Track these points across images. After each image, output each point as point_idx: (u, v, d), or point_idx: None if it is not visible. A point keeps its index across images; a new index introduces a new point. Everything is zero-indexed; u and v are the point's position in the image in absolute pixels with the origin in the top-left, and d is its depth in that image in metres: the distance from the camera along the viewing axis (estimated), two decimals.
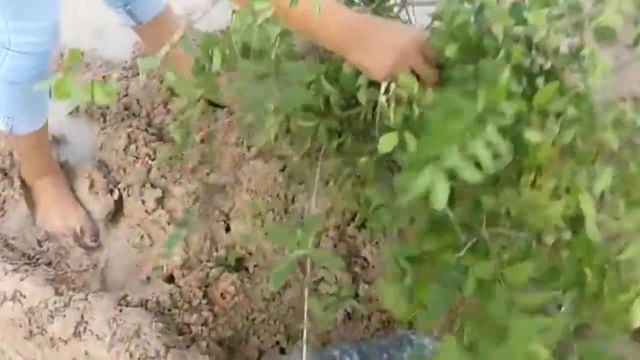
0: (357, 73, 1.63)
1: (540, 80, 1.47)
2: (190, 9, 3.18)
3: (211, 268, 2.45)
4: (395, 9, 1.93)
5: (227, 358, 2.41)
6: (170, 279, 2.47)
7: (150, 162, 2.73)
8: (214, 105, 2.91)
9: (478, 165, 1.21)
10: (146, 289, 2.45)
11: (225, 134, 2.79)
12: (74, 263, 2.55)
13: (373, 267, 2.49)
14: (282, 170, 2.71)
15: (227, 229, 2.66)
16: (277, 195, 2.67)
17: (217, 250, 2.51)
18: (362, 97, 1.66)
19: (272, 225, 2.50)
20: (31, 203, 2.61)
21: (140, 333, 2.18)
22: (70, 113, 2.98)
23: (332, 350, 2.32)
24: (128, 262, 2.56)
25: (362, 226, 2.66)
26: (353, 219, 2.65)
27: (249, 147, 2.74)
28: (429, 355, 2.25)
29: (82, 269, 2.54)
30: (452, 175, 1.21)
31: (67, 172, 2.74)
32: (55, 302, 2.28)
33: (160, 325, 2.25)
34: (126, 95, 2.99)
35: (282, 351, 2.51)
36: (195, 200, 2.65)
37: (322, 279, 2.54)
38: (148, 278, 2.49)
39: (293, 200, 2.70)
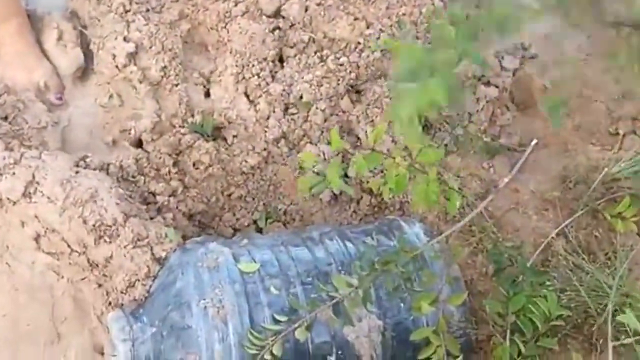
0: None
1: None
2: None
3: (184, 134, 2.21)
4: None
5: (196, 234, 2.17)
6: (138, 143, 2.23)
7: (124, 13, 2.40)
8: None
9: None
10: (110, 153, 2.20)
11: None
12: (33, 119, 2.25)
13: (365, 150, 2.21)
14: (272, 31, 2.38)
15: (207, 94, 2.38)
16: (265, 59, 2.36)
17: (192, 115, 2.25)
18: None
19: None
20: None
21: (97, 198, 1.94)
22: None
23: (311, 231, 2.05)
24: (93, 122, 2.28)
25: (357, 101, 2.36)
26: (348, 91, 2.34)
27: (236, 3, 2.40)
28: (419, 245, 1.99)
29: (40, 126, 2.25)
30: None
31: (34, 22, 2.40)
32: (4, 158, 1.98)
33: (120, 191, 2.01)
34: None
35: (260, 231, 2.28)
36: (173, 59, 2.30)
37: None
38: (114, 141, 2.25)
39: (282, 64, 2.39)
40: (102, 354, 1.95)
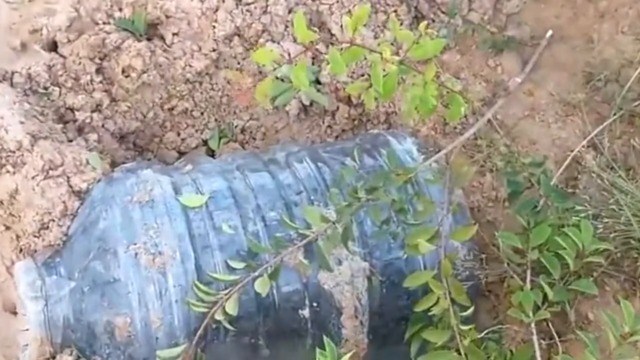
0: None
1: None
2: None
3: (109, 33, 1.95)
4: None
5: (131, 160, 1.90)
6: (52, 46, 1.97)
7: None
8: None
9: None
10: (18, 60, 1.94)
11: None
12: None
13: (341, 44, 1.82)
14: None
15: None
16: None
17: (120, 9, 1.98)
18: None
19: None
20: None
21: None
22: None
23: (275, 152, 1.76)
24: None
25: None
26: None
27: None
28: (413, 165, 1.67)
29: None
30: None
31: None
32: None
33: (27, 107, 1.77)
34: None
35: (212, 155, 1.99)
36: None
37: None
38: (22, 45, 1.98)
39: None
40: (15, 313, 1.67)
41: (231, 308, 1.39)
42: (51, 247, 1.62)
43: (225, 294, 1.40)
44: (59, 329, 1.51)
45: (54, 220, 1.62)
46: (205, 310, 1.40)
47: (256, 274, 1.42)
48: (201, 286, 1.42)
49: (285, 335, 1.52)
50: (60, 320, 1.51)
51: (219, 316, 1.39)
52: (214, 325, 1.43)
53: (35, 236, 1.63)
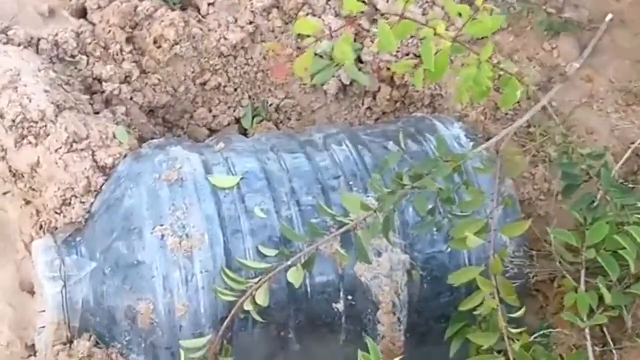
0: None
1: None
2: None
3: (142, 1, 1.90)
4: None
5: (159, 136, 1.83)
6: (81, 13, 1.94)
7: None
8: None
9: None
10: (45, 26, 1.90)
11: None
12: None
13: (387, 19, 1.73)
14: None
15: None
16: None
17: None
18: None
19: None
20: None
21: (19, 84, 1.62)
22: None
23: (312, 133, 1.68)
24: None
25: None
26: None
27: None
28: (460, 149, 1.59)
29: None
30: None
31: None
32: None
33: (53, 75, 1.70)
34: None
35: (244, 133, 1.92)
36: None
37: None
38: (51, 11, 1.94)
39: None
40: (32, 294, 1.62)
41: (261, 298, 1.31)
42: (72, 225, 1.55)
43: (256, 283, 1.32)
44: (77, 312, 1.44)
45: (76, 197, 1.55)
46: (234, 299, 1.32)
47: (289, 262, 1.33)
48: (230, 273, 1.34)
49: (317, 329, 1.44)
50: (80, 303, 1.44)
51: (248, 306, 1.31)
52: (242, 316, 1.34)
53: (56, 212, 1.56)
